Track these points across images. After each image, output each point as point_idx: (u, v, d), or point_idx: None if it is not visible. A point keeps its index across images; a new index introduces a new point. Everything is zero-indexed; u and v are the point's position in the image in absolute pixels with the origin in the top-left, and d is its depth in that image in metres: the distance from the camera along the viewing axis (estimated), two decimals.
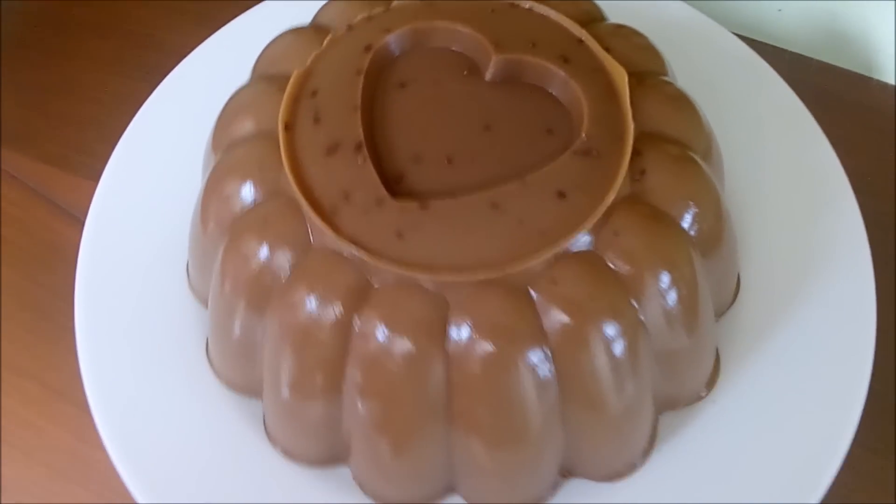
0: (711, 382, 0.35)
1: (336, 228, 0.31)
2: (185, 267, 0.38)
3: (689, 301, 0.32)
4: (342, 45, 0.35)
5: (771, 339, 0.36)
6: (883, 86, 0.46)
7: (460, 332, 0.30)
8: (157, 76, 0.43)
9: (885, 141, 0.44)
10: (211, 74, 0.42)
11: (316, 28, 0.37)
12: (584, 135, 0.32)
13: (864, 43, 0.46)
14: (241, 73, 0.37)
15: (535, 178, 0.31)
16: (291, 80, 0.33)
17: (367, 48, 0.34)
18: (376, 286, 0.30)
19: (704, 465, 0.34)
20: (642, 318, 0.31)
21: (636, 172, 0.31)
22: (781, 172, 0.39)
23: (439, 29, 0.34)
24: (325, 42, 0.35)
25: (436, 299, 0.30)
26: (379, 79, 0.34)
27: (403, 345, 0.30)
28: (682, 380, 0.34)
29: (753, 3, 0.47)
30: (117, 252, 0.39)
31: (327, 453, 0.34)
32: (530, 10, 0.35)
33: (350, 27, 0.35)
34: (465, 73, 0.34)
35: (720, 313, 0.36)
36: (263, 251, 0.32)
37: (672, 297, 0.31)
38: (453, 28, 0.34)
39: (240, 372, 0.35)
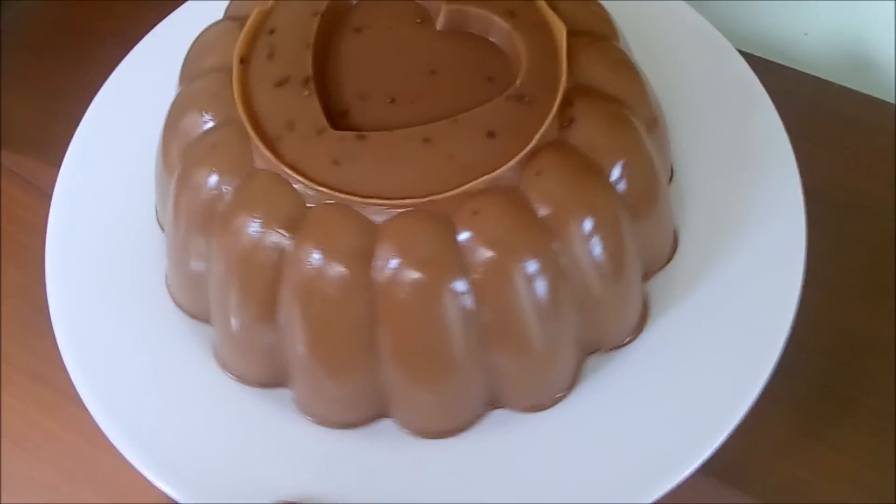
0: (637, 330, 0.37)
1: (278, 154, 0.32)
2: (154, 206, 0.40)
3: (613, 249, 0.34)
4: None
5: (702, 293, 0.37)
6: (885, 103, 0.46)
7: (386, 258, 0.31)
8: None
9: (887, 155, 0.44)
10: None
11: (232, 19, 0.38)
12: (518, 82, 0.33)
13: (889, 68, 0.46)
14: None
15: (467, 117, 0.33)
16: (251, 17, 0.35)
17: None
18: (311, 211, 0.32)
19: (624, 401, 0.35)
20: (562, 260, 0.32)
21: (565, 120, 0.33)
22: (726, 134, 0.40)
23: None
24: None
25: (366, 226, 0.32)
26: (336, 22, 0.36)
27: (333, 269, 0.32)
28: (606, 325, 0.36)
29: (779, 28, 0.47)
30: (88, 196, 0.41)
31: (271, 376, 0.36)
32: None
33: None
34: (418, 21, 0.36)
35: (655, 270, 0.38)
36: (211, 178, 0.34)
37: (593, 243, 0.33)
38: None
39: (192, 298, 0.37)
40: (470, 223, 0.31)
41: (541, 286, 0.32)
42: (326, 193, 0.32)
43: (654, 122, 0.37)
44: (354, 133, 0.32)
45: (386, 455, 0.35)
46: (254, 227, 0.32)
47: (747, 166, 0.40)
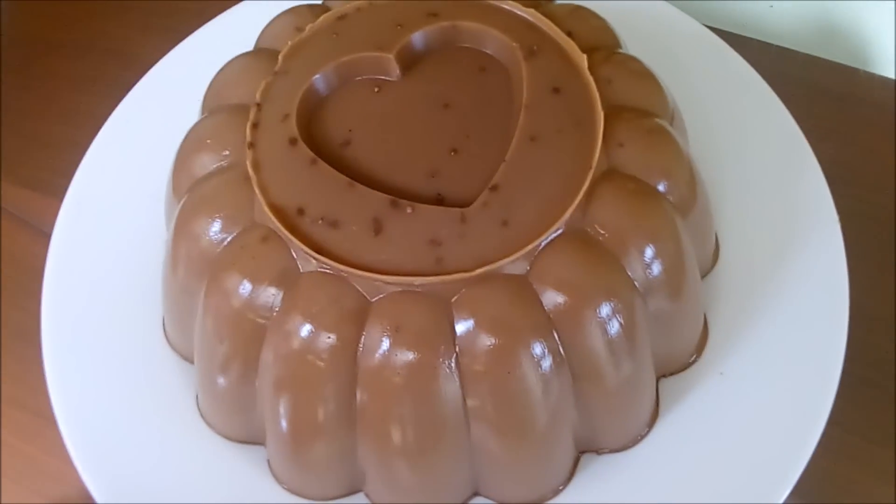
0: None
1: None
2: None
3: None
4: (264, 124, 0.33)
5: (752, 303, 0.36)
6: (870, 76, 0.46)
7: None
8: None
9: (873, 131, 0.44)
10: (175, 86, 0.42)
11: (259, 52, 0.37)
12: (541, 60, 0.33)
13: (854, 36, 0.46)
14: (204, 83, 0.37)
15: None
16: (257, 187, 0.31)
17: (286, 117, 0.33)
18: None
19: (708, 421, 0.34)
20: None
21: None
22: (748, 143, 0.40)
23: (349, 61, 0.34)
24: (248, 124, 0.33)
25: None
26: (318, 140, 0.33)
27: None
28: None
29: (745, 1, 0.46)
30: (83, 307, 0.38)
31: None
32: None
33: (258, 105, 0.33)
34: (376, 89, 0.34)
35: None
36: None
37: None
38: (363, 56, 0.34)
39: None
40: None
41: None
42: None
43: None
44: (458, 210, 0.30)
45: None
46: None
47: (769, 165, 0.39)
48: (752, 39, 0.44)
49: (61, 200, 0.40)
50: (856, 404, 0.36)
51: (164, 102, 0.42)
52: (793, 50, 0.46)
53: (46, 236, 0.39)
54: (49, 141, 0.46)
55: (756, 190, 0.38)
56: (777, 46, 0.45)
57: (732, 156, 0.39)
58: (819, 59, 0.46)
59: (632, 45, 0.37)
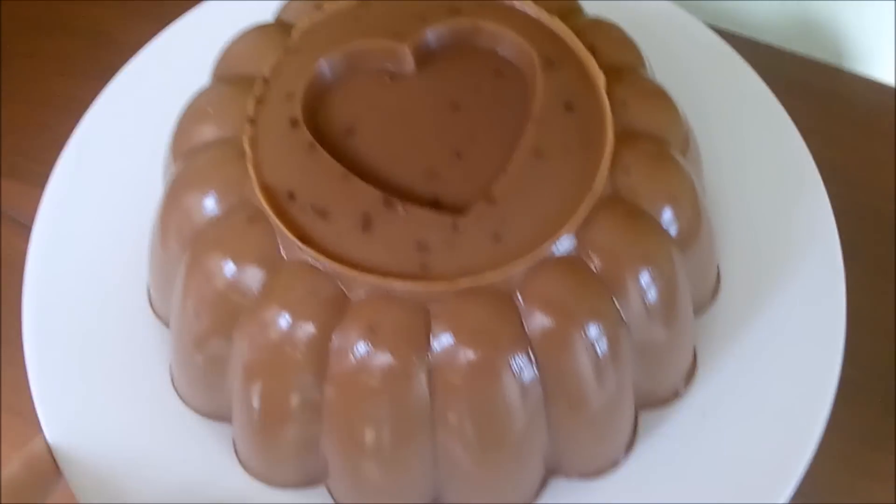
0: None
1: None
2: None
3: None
4: (269, 101, 0.32)
5: (746, 336, 0.36)
6: (853, 76, 0.46)
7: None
8: (110, 76, 0.41)
9: (856, 131, 0.44)
10: (163, 72, 0.41)
11: (279, 25, 0.36)
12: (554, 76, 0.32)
13: (835, 33, 0.46)
14: (193, 70, 0.36)
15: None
16: (251, 164, 0.31)
17: (290, 97, 0.32)
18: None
19: (684, 459, 0.34)
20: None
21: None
22: (756, 165, 0.39)
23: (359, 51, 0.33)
24: (252, 105, 0.32)
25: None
26: (322, 130, 0.32)
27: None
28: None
29: None
30: (68, 272, 0.37)
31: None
32: None
33: (266, 80, 0.33)
34: (388, 80, 0.33)
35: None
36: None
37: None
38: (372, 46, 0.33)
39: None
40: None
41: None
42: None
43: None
44: (451, 218, 0.30)
45: None
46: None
47: (776, 190, 0.38)
48: (740, 37, 0.44)
49: (39, 186, 0.38)
50: (853, 411, 0.36)
51: (153, 88, 0.40)
52: (779, 48, 0.46)
53: (22, 226, 0.38)
54: (23, 125, 0.44)
55: (758, 216, 0.38)
56: (764, 44, 0.45)
57: (734, 170, 0.38)
58: (804, 57, 0.46)
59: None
